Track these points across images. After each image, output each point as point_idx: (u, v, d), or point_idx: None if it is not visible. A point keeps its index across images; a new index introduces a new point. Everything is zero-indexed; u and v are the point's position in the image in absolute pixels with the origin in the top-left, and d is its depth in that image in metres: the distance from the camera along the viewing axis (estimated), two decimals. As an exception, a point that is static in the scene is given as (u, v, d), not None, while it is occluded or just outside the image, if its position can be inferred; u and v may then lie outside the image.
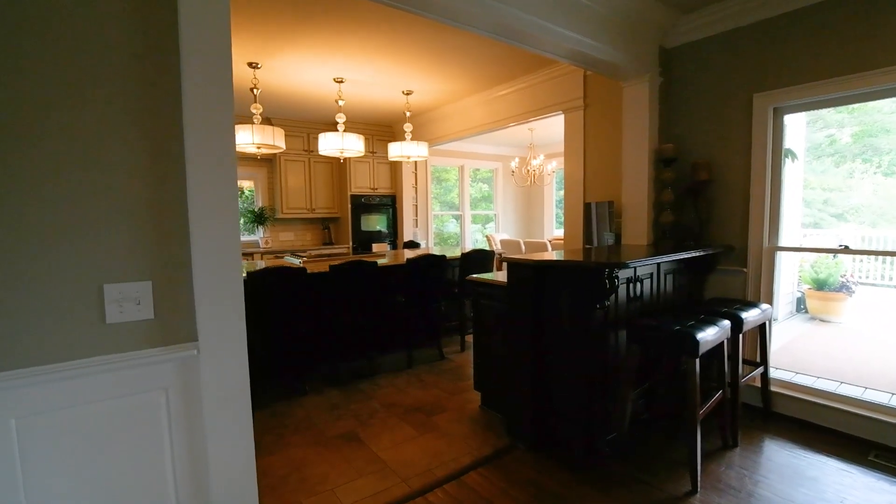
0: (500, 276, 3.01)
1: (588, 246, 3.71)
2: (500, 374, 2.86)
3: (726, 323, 2.39)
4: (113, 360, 1.32)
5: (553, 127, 6.90)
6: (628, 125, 3.30)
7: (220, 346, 1.46)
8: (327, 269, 3.45)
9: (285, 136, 6.22)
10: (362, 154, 4.44)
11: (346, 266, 3.45)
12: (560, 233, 9.30)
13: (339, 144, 4.14)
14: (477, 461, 2.39)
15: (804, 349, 4.29)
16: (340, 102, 4.37)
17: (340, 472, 2.31)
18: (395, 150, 4.70)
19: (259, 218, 6.24)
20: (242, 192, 6.56)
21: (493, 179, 9.20)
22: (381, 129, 6.67)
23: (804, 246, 5.48)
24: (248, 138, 3.71)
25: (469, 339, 4.60)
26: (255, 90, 3.95)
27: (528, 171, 7.04)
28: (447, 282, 4.24)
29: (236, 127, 3.87)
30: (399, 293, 4.06)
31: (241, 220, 6.38)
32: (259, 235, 6.34)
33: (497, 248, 7.69)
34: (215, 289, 1.44)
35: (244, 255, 5.75)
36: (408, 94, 4.89)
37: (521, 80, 4.59)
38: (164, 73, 1.34)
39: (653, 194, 3.24)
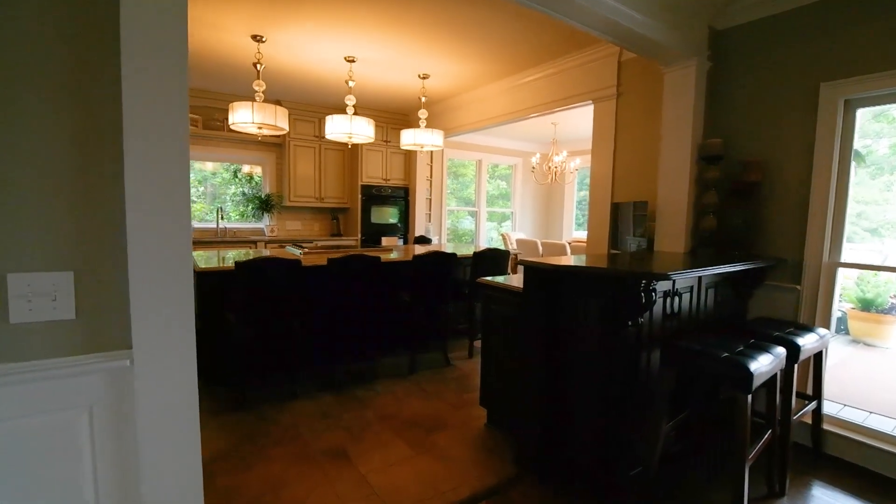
0: (516, 279, 2.68)
1: (615, 251, 3.34)
2: (509, 391, 2.53)
3: (781, 351, 2.01)
4: (16, 371, 1.03)
5: (578, 122, 6.51)
6: (669, 117, 2.92)
7: (161, 355, 1.16)
8: (325, 262, 3.16)
9: (295, 120, 5.98)
10: (372, 140, 4.14)
11: (346, 260, 3.16)
12: (581, 235, 8.89)
13: (347, 128, 3.85)
14: (477, 494, 2.07)
15: (851, 377, 3.86)
16: (351, 83, 4.06)
17: (320, 498, 2.02)
18: (408, 138, 4.39)
19: (265, 205, 5.99)
20: (251, 178, 6.32)
21: (512, 175, 8.83)
22: (395, 117, 6.36)
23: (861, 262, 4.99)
24: (248, 117, 3.43)
25: (478, 344, 4.29)
26: (258, 65, 3.67)
27: (549, 167, 6.66)
28: (457, 282, 3.92)
29: (235, 105, 3.60)
30: (404, 291, 3.75)
31: (249, 207, 6.14)
32: (265, 223, 6.10)
33: (512, 247, 7.33)
34: (157, 285, 1.14)
35: (248, 242, 5.51)
36: (424, 77, 4.56)
37: (549, 65, 4.22)
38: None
39: (693, 195, 2.86)
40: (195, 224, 5.79)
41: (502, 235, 7.58)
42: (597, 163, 3.84)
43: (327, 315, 3.28)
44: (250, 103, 3.44)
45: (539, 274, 2.17)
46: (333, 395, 3.15)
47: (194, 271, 2.96)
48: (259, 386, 3.22)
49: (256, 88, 3.64)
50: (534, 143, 8.57)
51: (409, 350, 3.67)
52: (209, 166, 6.36)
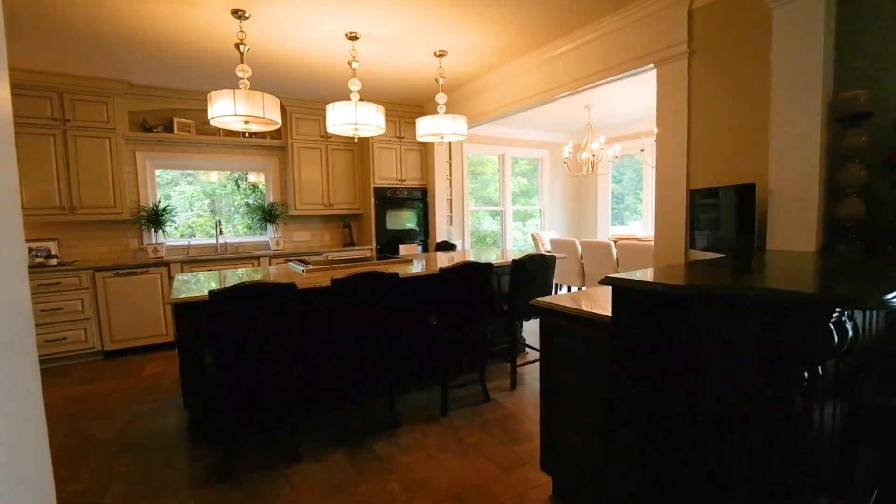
0: (586, 299, 1.94)
1: (719, 254, 2.54)
2: (589, 456, 1.79)
3: None
4: None
5: (615, 104, 5.71)
6: (784, 67, 2.14)
7: None
8: (329, 283, 2.47)
9: (297, 119, 5.34)
10: (382, 131, 3.45)
11: (354, 280, 2.46)
12: (621, 230, 8.04)
13: (351, 117, 3.17)
14: None
15: None
16: (355, 65, 3.38)
17: None
18: (426, 127, 3.68)
19: (269, 215, 5.37)
20: (256, 188, 5.72)
21: (539, 169, 8.05)
22: (409, 109, 5.67)
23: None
24: (229, 107, 2.77)
25: (522, 372, 3.54)
26: (241, 46, 3.02)
27: (585, 157, 5.87)
28: (493, 296, 3.19)
29: (214, 94, 2.95)
30: (429, 313, 3.04)
31: (251, 219, 5.53)
32: (269, 236, 5.48)
33: (545, 248, 6.55)
34: None
35: (250, 258, 4.89)
36: (441, 55, 3.85)
37: (591, 28, 3.45)
38: None
39: (825, 171, 2.07)
40: (194, 241, 5.20)
41: (533, 236, 6.81)
42: (664, 141, 3.06)
43: (335, 348, 2.59)
44: (231, 91, 2.79)
45: (646, 298, 1.42)
46: (347, 453, 2.45)
47: (174, 304, 2.31)
48: (252, 446, 2.55)
49: (240, 74, 2.98)
50: (561, 132, 7.78)
51: (440, 383, 2.95)
52: (213, 177, 5.80)
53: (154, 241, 4.73)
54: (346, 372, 2.98)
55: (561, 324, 1.85)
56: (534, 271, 3.21)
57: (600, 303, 1.89)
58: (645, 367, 1.43)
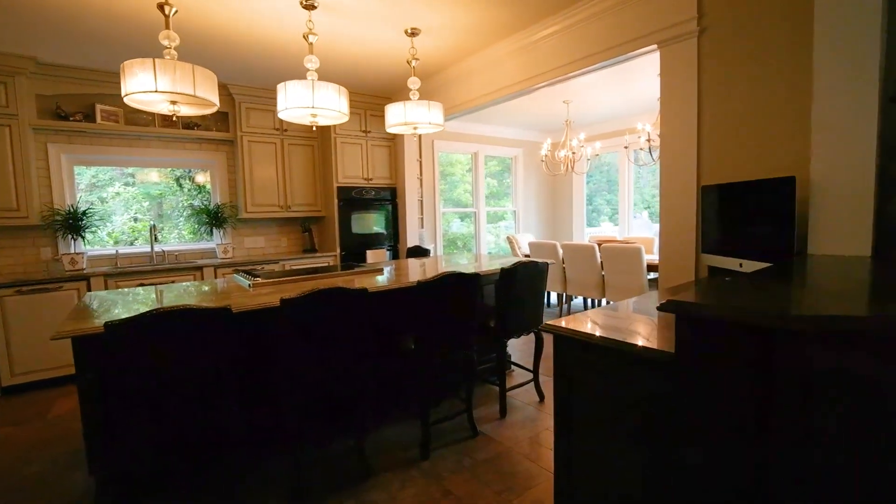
0: (604, 320, 1.51)
1: (739, 259, 2.18)
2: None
3: None
4: None
5: (595, 99, 5.40)
6: (829, 33, 1.79)
7: None
8: (277, 303, 1.93)
9: (248, 109, 4.72)
10: (345, 118, 2.93)
11: (310, 300, 1.94)
12: (595, 232, 7.79)
13: (307, 100, 2.64)
14: None
15: None
16: (312, 39, 2.85)
17: None
18: (396, 115, 3.18)
19: (215, 219, 4.71)
20: (203, 188, 5.03)
21: (512, 168, 7.69)
22: (376, 99, 5.15)
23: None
24: (148, 82, 2.19)
25: (512, 395, 3.09)
26: (166, 7, 2.43)
27: (565, 155, 5.53)
28: (480, 312, 2.74)
29: (127, 65, 2.35)
30: (405, 334, 2.55)
31: (196, 223, 4.85)
32: (216, 241, 4.82)
33: (522, 252, 6.18)
34: None
35: (192, 269, 4.22)
36: (413, 34, 3.38)
37: (580, 6, 3.08)
38: None
39: (879, 161, 1.73)
40: (125, 250, 4.48)
41: (509, 239, 6.42)
42: (669, 133, 2.71)
43: (289, 382, 2.06)
44: (150, 61, 2.20)
45: (730, 333, 0.99)
46: (304, 521, 1.92)
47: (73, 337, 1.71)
48: (181, 513, 1.97)
49: (165, 42, 2.38)
50: (536, 130, 7.46)
51: (418, 417, 2.46)
52: (155, 176, 5.06)
53: (73, 251, 4.00)
54: (305, 410, 2.44)
55: (592, 360, 1.40)
56: (525, 281, 2.78)
57: (635, 328, 1.47)
58: (731, 419, 1.00)
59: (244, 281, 2.78)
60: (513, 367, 3.52)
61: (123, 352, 1.58)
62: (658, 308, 1.04)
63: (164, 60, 2.23)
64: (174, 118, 2.46)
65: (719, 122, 2.48)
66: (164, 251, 4.54)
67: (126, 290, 2.70)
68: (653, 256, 4.80)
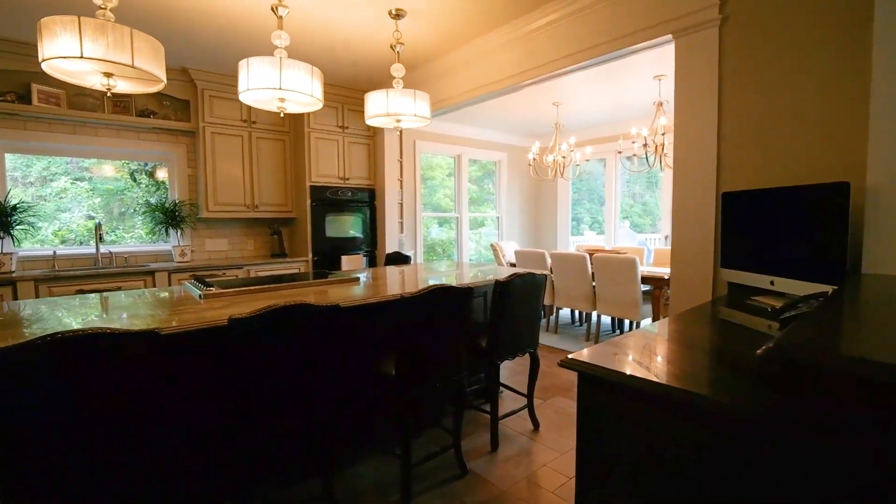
0: (641, 352, 1.18)
1: (770, 276, 1.89)
2: None
3: None
4: None
5: (586, 102, 5.16)
6: (888, 32, 1.54)
7: None
8: (226, 321, 1.54)
9: (210, 97, 4.26)
10: (319, 105, 2.55)
11: (264, 319, 1.55)
12: (583, 241, 7.58)
13: (273, 79, 2.26)
14: None
15: None
16: (282, 11, 2.47)
17: None
18: (377, 105, 2.82)
19: (172, 218, 4.23)
20: (161, 184, 4.53)
21: (496, 173, 7.40)
22: (355, 93, 4.77)
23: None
24: (71, 46, 1.78)
25: (507, 421, 2.73)
26: (101, -39, 2.01)
27: (552, 159, 5.26)
28: (468, 329, 2.39)
29: (44, 23, 1.91)
30: (383, 356, 2.18)
31: (152, 222, 4.34)
32: (173, 243, 4.33)
33: (507, 260, 5.88)
34: None
35: (143, 274, 3.73)
36: (398, 15, 3.03)
37: (588, -8, 2.80)
38: None
39: (951, 165, 1.48)
40: (65, 251, 3.95)
41: (493, 246, 6.11)
42: (684, 133, 2.43)
43: (237, 416, 1.65)
44: (74, 20, 1.78)
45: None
46: None
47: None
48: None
49: (108, 15, 1.96)
50: (521, 134, 7.21)
51: (399, 454, 2.09)
52: (110, 170, 4.54)
53: (1, 251, 3.46)
54: (261, 447, 2.04)
55: (629, 404, 1.07)
56: (521, 296, 2.45)
57: (671, 361, 1.14)
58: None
59: (195, 290, 2.35)
60: (502, 388, 3.18)
61: (6, 386, 1.16)
62: (763, 355, 0.71)
63: (93, 20, 1.81)
64: (108, 94, 2.03)
65: (743, 122, 2.22)
66: (111, 253, 4.03)
67: (54, 298, 2.24)
68: (645, 268, 4.56)
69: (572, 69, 3.10)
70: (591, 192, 7.96)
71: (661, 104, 4.42)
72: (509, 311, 2.41)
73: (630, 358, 1.19)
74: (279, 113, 2.55)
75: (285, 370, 1.64)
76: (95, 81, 2.02)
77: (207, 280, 2.56)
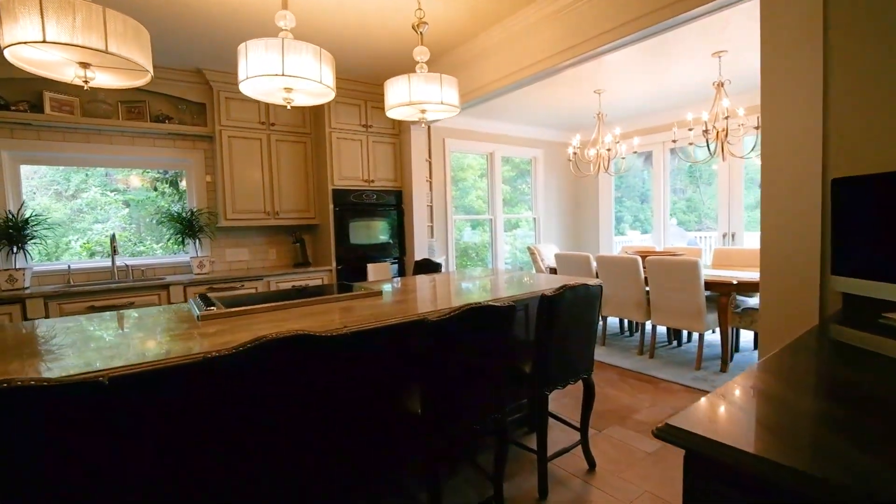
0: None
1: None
2: None
3: None
4: None
5: (628, 90, 4.65)
6: None
7: None
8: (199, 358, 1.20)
9: (225, 98, 4.01)
10: (331, 95, 2.21)
11: (248, 357, 1.20)
12: (627, 241, 7.01)
13: (275, 65, 1.94)
14: None
15: None
16: (286, -11, 2.15)
17: None
18: (399, 94, 2.46)
19: (190, 228, 4.02)
20: (182, 194, 4.36)
21: (532, 170, 6.94)
22: (378, 89, 4.46)
23: None
24: (31, 29, 1.50)
25: (557, 467, 2.30)
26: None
27: (596, 153, 4.78)
28: (512, 351, 1.98)
29: (2, 3, 1.63)
30: (406, 390, 1.80)
31: (167, 232, 4.16)
32: (191, 254, 4.13)
33: (546, 264, 5.42)
34: None
35: (157, 287, 3.53)
36: (420, -8, 2.67)
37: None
38: None
39: None
40: (81, 264, 3.81)
41: (530, 250, 5.66)
42: (774, 105, 1.95)
43: (220, 469, 1.31)
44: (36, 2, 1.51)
45: None
46: None
47: None
48: None
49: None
50: (557, 128, 6.72)
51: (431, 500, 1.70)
52: (135, 181, 4.42)
53: (14, 266, 3.32)
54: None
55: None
56: (573, 312, 2.02)
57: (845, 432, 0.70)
58: None
59: (196, 310, 2.06)
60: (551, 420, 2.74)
61: None
62: None
63: (57, -2, 1.53)
64: (86, 87, 1.76)
65: (860, 84, 1.72)
66: (127, 266, 3.85)
67: (65, 321, 2.00)
68: (707, 271, 4.00)
69: (621, 43, 2.65)
70: (629, 189, 7.38)
71: (721, 84, 3.87)
72: (559, 331, 1.99)
73: (769, 426, 0.76)
74: (295, 109, 2.23)
75: (278, 416, 1.28)
76: (71, 74, 1.75)
77: (213, 296, 2.27)
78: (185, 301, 3.58)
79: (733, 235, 5.48)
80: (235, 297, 2.47)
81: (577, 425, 2.34)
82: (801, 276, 1.89)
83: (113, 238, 3.74)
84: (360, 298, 2.28)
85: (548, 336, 1.97)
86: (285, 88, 2.12)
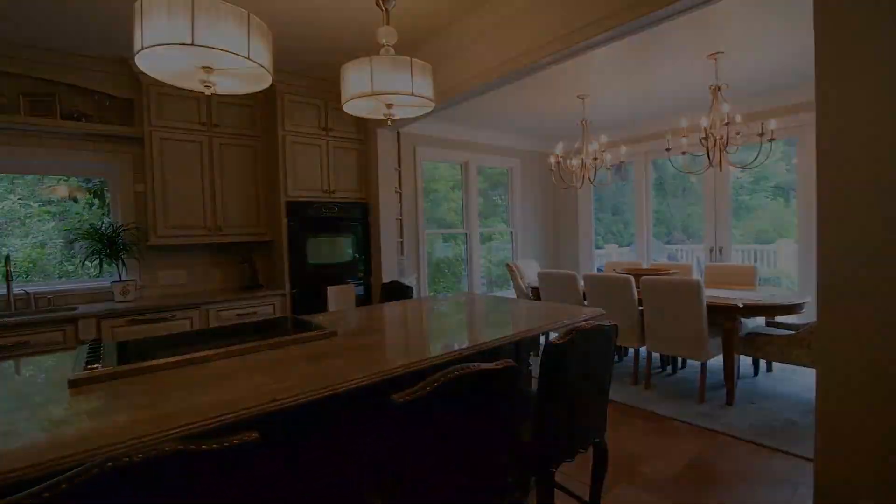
0: None
1: None
2: None
3: None
4: None
5: (612, 96, 4.32)
6: None
7: None
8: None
9: (157, 93, 3.40)
10: (268, 80, 1.68)
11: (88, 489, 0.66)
12: (605, 256, 6.68)
13: (182, 32, 1.40)
14: None
15: None
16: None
17: None
18: (359, 81, 1.96)
19: (113, 246, 3.36)
20: (107, 206, 3.68)
21: (509, 181, 6.55)
22: (339, 87, 3.93)
23: None
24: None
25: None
26: None
27: (580, 163, 4.40)
28: (512, 421, 1.49)
29: None
30: (365, 494, 1.28)
31: (85, 251, 3.48)
32: (112, 278, 3.46)
33: (527, 283, 4.98)
34: None
35: (63, 321, 2.86)
36: (385, -39, 2.19)
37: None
38: None
39: None
40: (-29, 290, 3.08)
41: (508, 267, 5.21)
42: (835, 93, 1.56)
43: None
44: None
45: None
46: None
47: None
48: None
49: None
50: (536, 136, 6.37)
51: None
52: (62, 191, 3.71)
53: None
54: None
55: None
56: (585, 361, 1.55)
57: None
58: None
59: (73, 368, 1.47)
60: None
61: None
62: None
63: None
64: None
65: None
66: (28, 294, 3.16)
67: None
68: (710, 292, 3.62)
69: (614, 34, 2.26)
70: (600, 200, 7.10)
71: (718, 88, 3.57)
72: (566, 387, 1.51)
73: None
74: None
75: None
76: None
77: (133, 330, 1.68)
78: (100, 337, 2.93)
79: (720, 250, 5.21)
80: (151, 338, 1.89)
81: (586, 498, 1.86)
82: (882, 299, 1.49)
83: (7, 259, 3.05)
84: (313, 341, 1.74)
85: (549, 393, 1.49)
86: (203, 68, 1.59)
